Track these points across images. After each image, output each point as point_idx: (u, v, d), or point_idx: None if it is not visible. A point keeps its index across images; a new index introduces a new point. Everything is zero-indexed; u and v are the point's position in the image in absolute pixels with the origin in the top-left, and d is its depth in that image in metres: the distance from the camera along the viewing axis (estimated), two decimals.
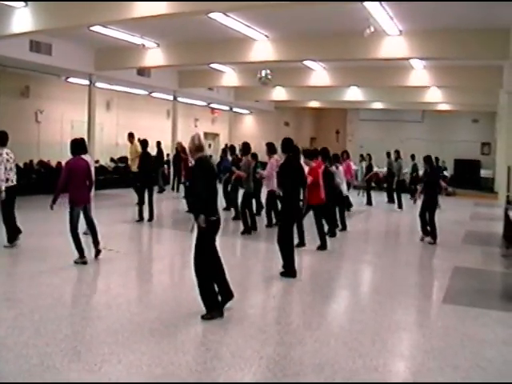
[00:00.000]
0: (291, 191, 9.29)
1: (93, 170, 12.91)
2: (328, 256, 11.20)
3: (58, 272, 9.02)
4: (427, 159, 13.51)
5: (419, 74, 20.30)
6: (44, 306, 7.10)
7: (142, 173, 14.88)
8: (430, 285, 9.68)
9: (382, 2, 12.02)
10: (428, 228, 13.27)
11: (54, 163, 21.09)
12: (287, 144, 9.55)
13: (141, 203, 14.66)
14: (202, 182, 6.87)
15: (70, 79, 21.94)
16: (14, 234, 10.78)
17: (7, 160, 10.44)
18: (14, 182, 10.66)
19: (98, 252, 9.83)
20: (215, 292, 7.00)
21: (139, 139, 15.73)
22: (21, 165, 18.75)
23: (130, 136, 18.01)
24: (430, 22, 13.70)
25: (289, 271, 9.20)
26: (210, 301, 6.92)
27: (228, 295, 7.18)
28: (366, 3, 11.79)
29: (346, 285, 9.49)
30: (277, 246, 9.34)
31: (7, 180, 10.43)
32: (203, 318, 6.83)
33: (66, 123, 23.14)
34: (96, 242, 9.87)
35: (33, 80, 21.33)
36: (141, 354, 5.63)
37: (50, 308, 7.04)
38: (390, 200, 21.70)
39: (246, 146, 14.27)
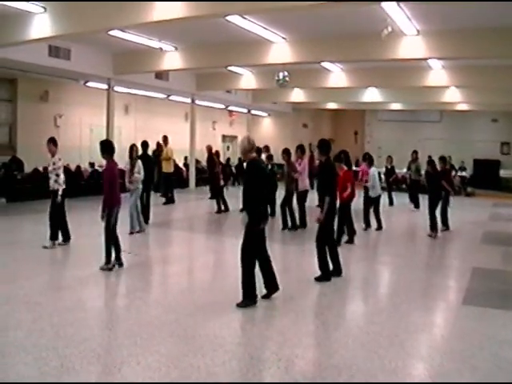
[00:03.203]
0: (332, 193, 9.18)
1: None
2: (344, 257, 11.17)
3: (76, 275, 9.10)
4: (429, 161, 14.43)
5: (437, 74, 20.18)
6: (63, 309, 7.16)
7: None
8: (448, 286, 9.62)
9: (400, 3, 11.98)
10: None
11: (73, 167, 21.22)
12: (326, 146, 9.42)
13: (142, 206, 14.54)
14: (257, 183, 7.44)
15: (89, 83, 22.07)
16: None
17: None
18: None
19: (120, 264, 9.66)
20: (254, 282, 7.48)
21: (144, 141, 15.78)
22: (40, 169, 18.93)
23: (165, 139, 19.78)
24: (447, 22, 13.62)
25: (325, 275, 9.16)
26: (249, 289, 7.42)
27: (273, 287, 7.82)
28: (383, 4, 11.76)
29: (363, 286, 9.47)
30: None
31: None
32: (238, 305, 7.37)
33: (84, 127, 23.33)
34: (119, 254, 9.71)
35: (52, 85, 21.50)
36: (159, 355, 5.66)
37: (68, 311, 7.09)
38: (413, 202, 21.51)
39: (288, 152, 15.03)
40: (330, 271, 9.20)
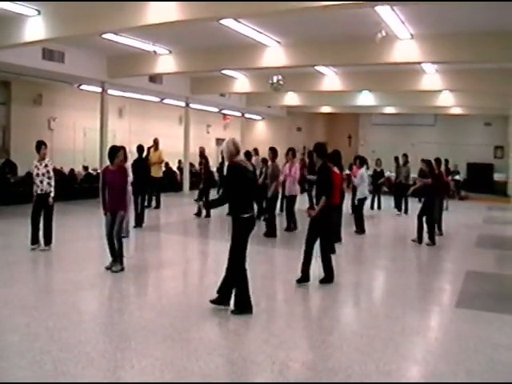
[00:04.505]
0: (329, 194, 9.08)
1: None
2: (339, 260, 11.17)
3: (70, 278, 9.07)
4: (426, 162, 13.95)
5: (431, 78, 20.24)
6: (57, 313, 7.14)
7: (136, 179, 14.03)
8: (442, 289, 9.63)
9: (394, 6, 12.01)
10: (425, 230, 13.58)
11: (66, 170, 21.20)
12: (323, 149, 9.36)
13: (136, 209, 14.49)
14: (238, 185, 7.26)
15: (83, 87, 22.08)
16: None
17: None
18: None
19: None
20: (248, 289, 7.29)
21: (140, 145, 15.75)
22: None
23: (156, 142, 19.31)
24: (441, 26, 13.67)
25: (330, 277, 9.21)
26: (242, 297, 7.24)
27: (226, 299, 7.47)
28: (377, 8, 11.79)
29: (358, 290, 9.45)
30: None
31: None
32: (233, 312, 7.21)
33: (78, 130, 23.33)
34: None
35: (46, 88, 21.49)
36: (154, 359, 5.65)
37: (63, 315, 7.07)
38: (397, 206, 21.55)
39: (275, 151, 14.51)
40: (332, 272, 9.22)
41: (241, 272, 7.29)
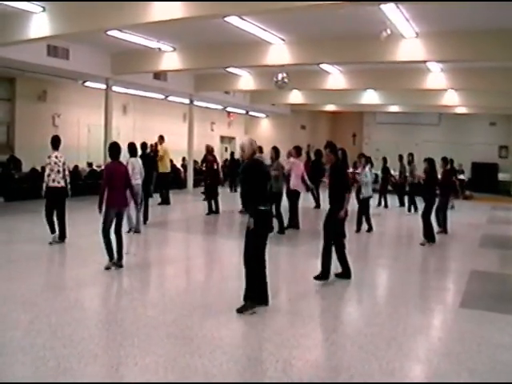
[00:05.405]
0: (341, 194, 9.15)
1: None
2: None
3: (73, 275, 9.09)
4: (427, 160, 13.61)
5: (436, 77, 20.19)
6: (60, 309, 7.15)
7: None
8: (446, 289, 9.60)
9: (398, 4, 11.96)
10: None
11: (71, 166, 21.18)
12: (334, 147, 9.41)
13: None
14: (252, 181, 7.36)
15: (87, 83, 22.05)
16: (55, 230, 11.42)
17: (55, 163, 11.27)
18: (61, 184, 11.36)
19: (120, 265, 9.58)
20: (257, 285, 7.38)
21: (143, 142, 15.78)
22: (38, 168, 18.92)
23: (161, 138, 19.51)
24: (446, 24, 13.63)
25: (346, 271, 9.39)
26: (251, 292, 7.31)
27: (263, 300, 7.53)
28: (382, 6, 11.75)
29: (361, 288, 9.38)
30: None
31: (53, 181, 11.22)
32: (238, 311, 7.20)
33: (82, 127, 23.31)
34: (119, 254, 9.65)
35: (50, 84, 21.48)
36: (157, 356, 5.65)
37: (66, 311, 7.08)
38: (402, 204, 21.65)
39: (277, 150, 14.56)
40: (329, 270, 9.18)
41: (255, 268, 7.34)
